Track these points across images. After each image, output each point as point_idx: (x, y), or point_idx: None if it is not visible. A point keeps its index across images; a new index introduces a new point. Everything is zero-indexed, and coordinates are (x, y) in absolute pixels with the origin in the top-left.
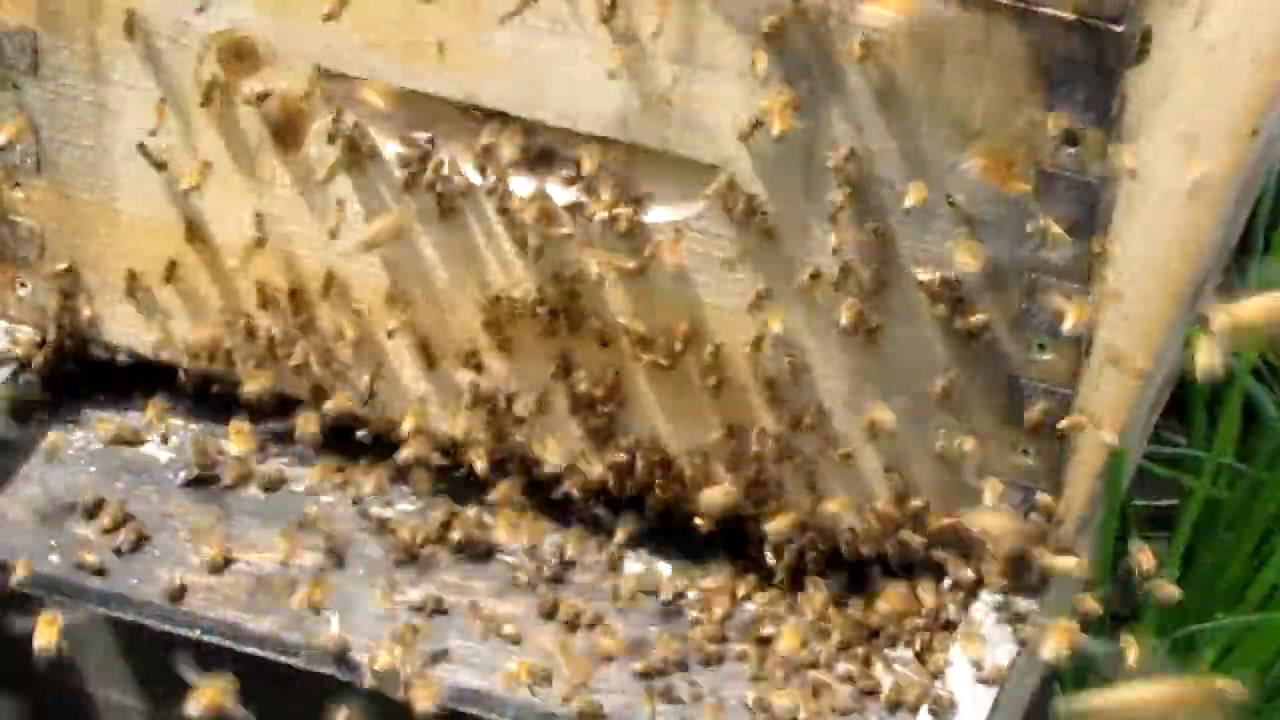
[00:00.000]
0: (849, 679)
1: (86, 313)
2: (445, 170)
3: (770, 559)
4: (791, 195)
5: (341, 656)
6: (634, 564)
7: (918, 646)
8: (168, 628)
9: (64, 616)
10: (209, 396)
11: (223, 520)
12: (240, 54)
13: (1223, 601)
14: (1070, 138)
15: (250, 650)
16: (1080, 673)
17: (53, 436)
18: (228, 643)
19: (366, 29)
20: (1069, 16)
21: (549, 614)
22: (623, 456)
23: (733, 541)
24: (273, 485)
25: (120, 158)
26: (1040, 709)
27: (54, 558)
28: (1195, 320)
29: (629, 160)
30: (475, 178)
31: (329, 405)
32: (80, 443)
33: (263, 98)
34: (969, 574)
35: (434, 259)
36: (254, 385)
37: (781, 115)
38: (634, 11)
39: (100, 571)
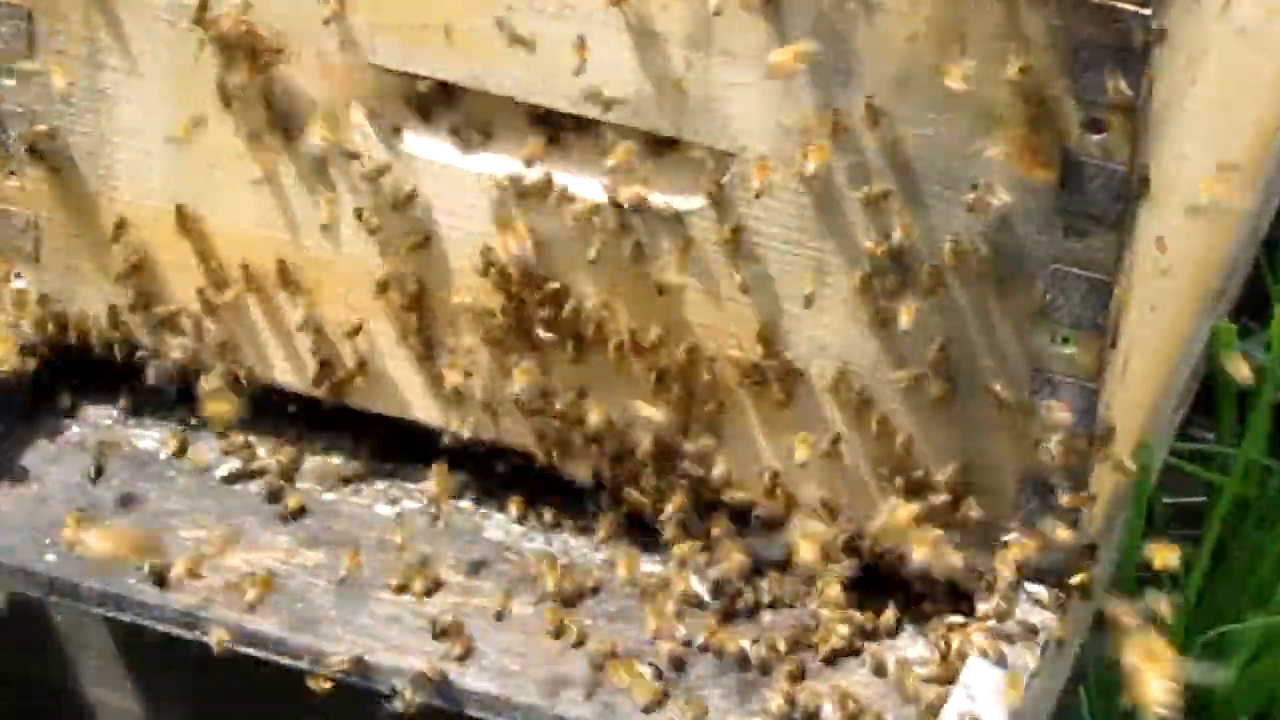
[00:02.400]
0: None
1: (84, 304)
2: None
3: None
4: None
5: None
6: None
7: (942, 646)
8: (166, 629)
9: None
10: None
11: (223, 518)
12: (241, 39)
13: (1252, 602)
14: (1096, 124)
15: (251, 651)
16: (1106, 673)
17: (50, 431)
18: (227, 643)
19: (372, 12)
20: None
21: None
22: None
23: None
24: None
25: (118, 145)
26: (1066, 709)
27: (50, 556)
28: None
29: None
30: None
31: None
32: (78, 437)
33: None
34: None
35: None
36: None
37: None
38: None
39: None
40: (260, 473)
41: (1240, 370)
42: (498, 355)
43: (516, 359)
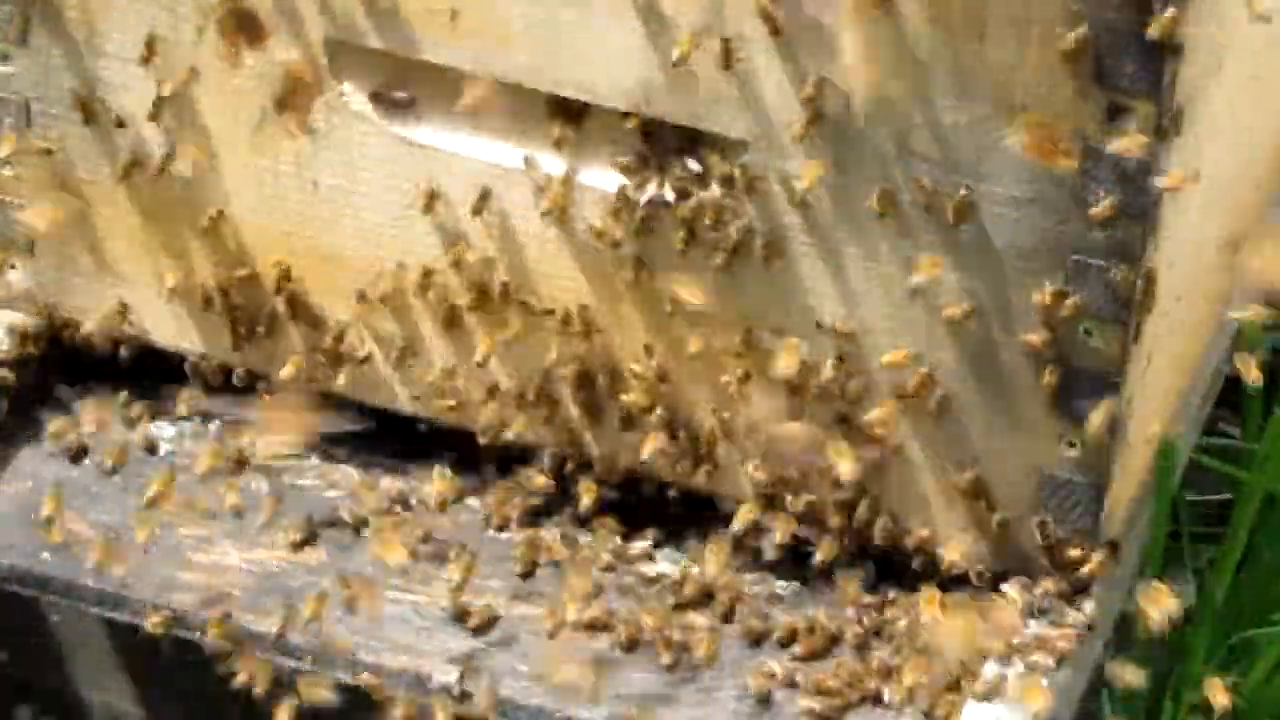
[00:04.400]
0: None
1: (81, 298)
2: None
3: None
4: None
5: (348, 659)
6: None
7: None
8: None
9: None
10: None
11: (223, 517)
12: (242, 24)
13: None
14: (1118, 111)
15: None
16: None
17: (46, 427)
18: (227, 644)
19: None
20: None
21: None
22: None
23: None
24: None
25: (116, 133)
26: (1087, 711)
27: (46, 554)
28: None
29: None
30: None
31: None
32: (75, 435)
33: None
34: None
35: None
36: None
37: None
38: None
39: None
40: (263, 470)
41: (1250, 372)
42: None
43: None
